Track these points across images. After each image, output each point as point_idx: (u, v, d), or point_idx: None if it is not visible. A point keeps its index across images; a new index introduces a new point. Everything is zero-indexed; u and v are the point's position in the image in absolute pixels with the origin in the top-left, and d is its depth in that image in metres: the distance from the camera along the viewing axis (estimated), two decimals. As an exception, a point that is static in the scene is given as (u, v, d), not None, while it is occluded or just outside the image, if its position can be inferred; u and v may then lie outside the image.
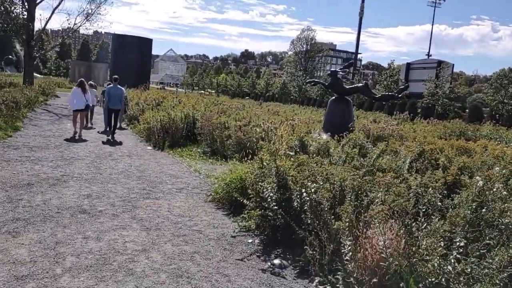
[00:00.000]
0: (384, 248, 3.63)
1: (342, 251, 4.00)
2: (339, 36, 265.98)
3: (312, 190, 4.67)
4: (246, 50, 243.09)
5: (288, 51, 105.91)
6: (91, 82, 18.56)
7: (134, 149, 12.46)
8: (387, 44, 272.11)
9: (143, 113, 16.17)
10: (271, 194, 5.22)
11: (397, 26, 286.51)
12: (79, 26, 30.06)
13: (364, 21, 56.10)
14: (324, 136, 10.42)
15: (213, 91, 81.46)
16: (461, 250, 3.46)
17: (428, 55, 68.57)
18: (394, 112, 37.22)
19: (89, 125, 16.80)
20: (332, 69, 12.35)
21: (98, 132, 15.40)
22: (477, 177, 4.22)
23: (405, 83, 41.72)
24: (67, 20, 30.10)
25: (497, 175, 4.46)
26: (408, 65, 53.87)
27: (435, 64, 48.13)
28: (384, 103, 41.76)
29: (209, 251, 5.07)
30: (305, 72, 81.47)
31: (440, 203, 4.50)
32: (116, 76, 14.76)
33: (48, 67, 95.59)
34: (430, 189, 4.88)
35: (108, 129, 14.33)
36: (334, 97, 12.32)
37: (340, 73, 12.00)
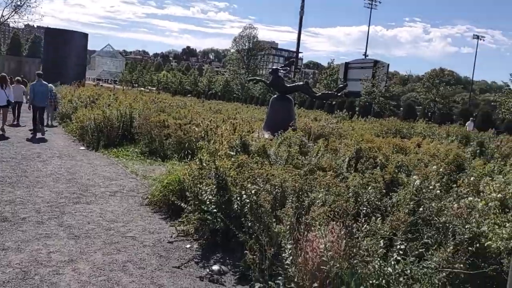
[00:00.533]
0: (325, 251, 3.52)
1: (283, 255, 3.86)
2: (281, 35, 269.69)
3: (252, 192, 4.49)
4: (188, 47, 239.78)
5: (230, 49, 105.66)
6: (18, 78, 17.40)
7: (66, 149, 11.70)
8: (326, 44, 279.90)
9: (76, 111, 15.26)
10: (210, 197, 4.99)
11: (336, 26, 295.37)
12: (7, 19, 27.96)
13: (305, 21, 57.37)
14: (266, 135, 10.33)
15: (154, 89, 79.45)
16: (401, 252, 3.42)
17: (365, 55, 71.16)
18: (334, 110, 38.22)
19: (15, 122, 15.69)
20: (273, 67, 12.30)
21: (29, 130, 14.33)
22: (414, 176, 4.24)
23: (343, 82, 42.94)
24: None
25: (433, 173, 4.52)
26: (347, 65, 55.60)
27: (371, 64, 49.99)
28: (324, 101, 42.71)
29: (143, 259, 4.75)
30: (247, 70, 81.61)
31: (379, 203, 4.49)
32: (40, 72, 14.37)
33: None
34: (370, 188, 4.87)
35: (35, 127, 13.70)
36: (275, 96, 12.28)
37: (281, 71, 11.97)
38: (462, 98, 48.60)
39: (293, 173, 4.75)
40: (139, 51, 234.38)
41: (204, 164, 5.22)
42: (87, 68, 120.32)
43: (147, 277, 4.31)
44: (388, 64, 52.24)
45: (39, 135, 13.47)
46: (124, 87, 60.89)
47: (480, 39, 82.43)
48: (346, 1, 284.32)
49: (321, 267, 3.58)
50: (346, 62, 56.61)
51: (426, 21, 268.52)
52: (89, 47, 60.47)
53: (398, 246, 3.40)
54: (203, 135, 6.91)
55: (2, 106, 13.44)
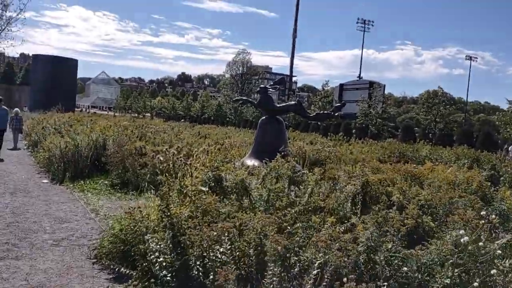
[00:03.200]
0: None
1: None
2: (274, 60, 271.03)
3: (219, 257, 3.01)
4: (183, 73, 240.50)
5: (224, 74, 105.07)
6: None
7: (25, 182, 10.19)
8: (319, 68, 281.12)
9: (45, 139, 13.81)
10: (160, 259, 3.49)
11: (328, 50, 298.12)
12: (-15, 43, 26.79)
13: (297, 46, 56.71)
14: (252, 163, 8.87)
15: (148, 114, 78.31)
16: None
17: (359, 77, 70.47)
18: (329, 133, 36.96)
19: None
20: (261, 85, 10.95)
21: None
22: (461, 231, 2.78)
23: (340, 101, 41.81)
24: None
25: (481, 222, 3.06)
26: (341, 86, 54.62)
27: (367, 85, 49.00)
28: (319, 123, 41.47)
29: None
30: (241, 94, 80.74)
31: (405, 268, 3.02)
32: (0, 97, 15.32)
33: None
34: (388, 242, 3.42)
35: None
36: (264, 117, 10.88)
37: (270, 89, 10.61)
38: (456, 120, 47.41)
39: (275, 223, 3.28)
40: (134, 78, 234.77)
41: (150, 212, 3.76)
42: (82, 96, 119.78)
43: None
44: (385, 85, 51.34)
45: None
46: (115, 114, 59.65)
47: (473, 60, 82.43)
48: (338, 26, 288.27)
49: None
50: (341, 84, 55.67)
51: (417, 44, 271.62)
52: (85, 75, 60.09)
53: None
54: (170, 166, 5.51)
55: None
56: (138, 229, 3.72)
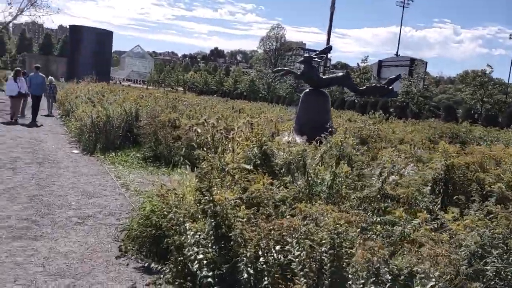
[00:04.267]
0: None
1: None
2: (307, 36, 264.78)
3: (276, 257, 2.23)
4: (216, 48, 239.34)
5: (257, 49, 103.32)
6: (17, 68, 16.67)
7: (55, 152, 9.73)
8: (354, 45, 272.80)
9: (78, 108, 13.36)
10: (201, 255, 2.75)
11: (363, 27, 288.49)
12: (22, 12, 26.68)
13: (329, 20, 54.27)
14: (298, 140, 8.03)
15: (181, 89, 78.22)
16: None
17: (397, 54, 67.54)
18: (367, 111, 35.40)
19: (15, 115, 14.66)
20: (305, 55, 9.97)
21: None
22: None
23: (378, 80, 40.04)
24: (9, 4, 26.73)
25: None
26: (380, 63, 52.38)
27: (408, 62, 46.68)
28: (356, 100, 39.93)
29: None
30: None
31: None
32: (37, 65, 16.39)
33: (3, 61, 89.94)
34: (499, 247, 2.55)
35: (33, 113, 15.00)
36: (307, 90, 9.96)
37: (316, 59, 9.63)
38: (505, 100, 44.39)
39: (354, 219, 2.46)
40: (168, 52, 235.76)
41: (192, 197, 3.01)
42: (117, 69, 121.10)
43: None
44: (427, 62, 48.85)
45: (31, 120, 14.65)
46: (148, 87, 59.62)
47: (521, 38, 77.48)
48: (374, 2, 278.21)
49: None
50: (379, 60, 53.40)
51: (456, 23, 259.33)
52: (120, 48, 60.42)
53: None
54: (208, 140, 4.74)
55: (14, 96, 14.53)
56: (173, 216, 2.98)
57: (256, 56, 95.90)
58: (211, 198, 2.85)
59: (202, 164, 4.27)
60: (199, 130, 5.01)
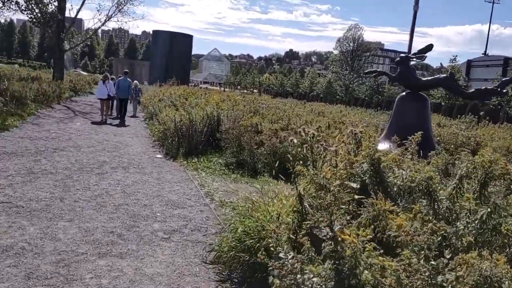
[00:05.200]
0: None
1: None
2: (385, 36, 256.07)
3: None
4: (291, 50, 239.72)
5: (333, 50, 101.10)
6: (106, 73, 17.83)
7: (139, 156, 9.70)
8: (436, 44, 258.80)
9: (161, 112, 13.45)
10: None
11: (445, 25, 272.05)
12: (110, 18, 28.05)
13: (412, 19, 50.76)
14: (384, 148, 7.16)
15: (256, 91, 78.92)
16: None
17: (485, 54, 62.39)
18: (453, 114, 32.79)
19: (104, 116, 16.00)
20: (401, 55, 9.01)
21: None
22: None
23: (467, 81, 36.99)
24: (98, 11, 28.23)
25: None
26: (469, 63, 48.57)
27: (501, 61, 42.73)
28: (443, 103, 37.15)
29: None
30: (351, 71, 77.06)
31: None
32: (126, 70, 17.92)
33: (92, 65, 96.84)
34: None
35: (118, 115, 16.62)
36: (403, 94, 9.01)
37: (415, 59, 8.67)
38: None
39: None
40: (243, 55, 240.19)
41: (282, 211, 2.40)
42: (196, 72, 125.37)
43: None
44: (524, 62, 44.28)
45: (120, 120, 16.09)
46: (225, 89, 60.60)
47: None
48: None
49: None
50: (468, 60, 49.51)
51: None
52: (197, 52, 62.09)
53: None
54: (305, 150, 4.18)
55: (104, 99, 15.92)
56: (272, 247, 2.41)
57: (331, 57, 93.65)
58: (333, 235, 2.23)
59: (304, 181, 3.69)
60: (295, 141, 4.43)
